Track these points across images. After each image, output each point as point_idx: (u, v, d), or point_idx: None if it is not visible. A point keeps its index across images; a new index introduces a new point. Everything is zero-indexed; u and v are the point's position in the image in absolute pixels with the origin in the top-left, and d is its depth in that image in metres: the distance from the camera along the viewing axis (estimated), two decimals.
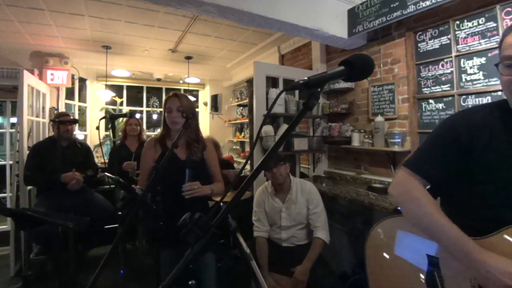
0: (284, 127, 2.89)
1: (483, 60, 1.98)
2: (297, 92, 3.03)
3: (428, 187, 0.91)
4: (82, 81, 4.71)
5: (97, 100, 4.78)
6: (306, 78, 0.55)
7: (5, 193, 3.86)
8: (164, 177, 1.41)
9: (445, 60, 2.19)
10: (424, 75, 2.33)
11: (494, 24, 1.90)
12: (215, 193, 1.60)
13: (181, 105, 1.55)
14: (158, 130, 6.26)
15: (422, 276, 0.91)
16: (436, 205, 0.86)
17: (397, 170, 0.94)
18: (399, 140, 2.39)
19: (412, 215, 0.90)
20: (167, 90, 5.66)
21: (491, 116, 0.85)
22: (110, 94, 4.66)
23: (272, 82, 2.97)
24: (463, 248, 0.78)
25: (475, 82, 2.02)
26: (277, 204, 2.02)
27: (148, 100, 5.66)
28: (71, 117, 2.69)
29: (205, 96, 5.81)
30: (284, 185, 2.02)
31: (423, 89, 2.34)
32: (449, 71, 2.17)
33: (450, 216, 0.83)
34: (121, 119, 4.42)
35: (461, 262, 0.80)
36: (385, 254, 1.01)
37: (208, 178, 1.64)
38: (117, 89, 5.23)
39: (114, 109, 4.98)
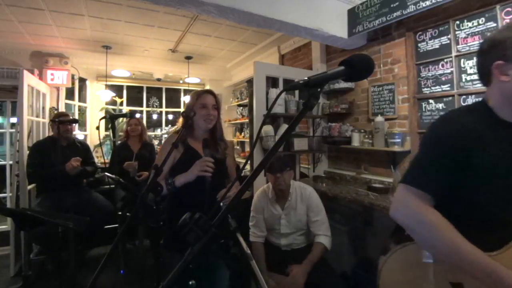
0: (284, 127, 2.89)
1: None
2: (297, 92, 3.03)
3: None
4: (82, 81, 4.70)
5: (97, 100, 4.77)
6: (306, 78, 0.55)
7: (5, 193, 3.85)
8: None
9: (445, 60, 2.19)
10: (424, 75, 2.33)
11: (494, 24, 1.90)
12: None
13: (216, 103, 1.50)
14: (158, 130, 6.26)
15: None
16: (447, 222, 0.79)
17: (396, 188, 0.91)
18: (399, 140, 2.39)
19: (424, 239, 0.83)
20: (167, 90, 5.65)
21: (479, 124, 0.83)
22: (110, 94, 4.66)
23: (272, 82, 2.97)
24: (485, 268, 0.74)
25: (475, 82, 2.02)
26: (276, 211, 1.97)
27: (148, 100, 5.66)
28: (71, 117, 2.69)
29: None
30: (285, 191, 1.96)
31: (423, 89, 2.34)
32: (449, 71, 2.17)
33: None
34: (121, 119, 4.43)
35: (484, 284, 0.75)
36: None
37: (226, 178, 1.57)
38: (117, 89, 5.22)
39: (114, 109, 4.97)
